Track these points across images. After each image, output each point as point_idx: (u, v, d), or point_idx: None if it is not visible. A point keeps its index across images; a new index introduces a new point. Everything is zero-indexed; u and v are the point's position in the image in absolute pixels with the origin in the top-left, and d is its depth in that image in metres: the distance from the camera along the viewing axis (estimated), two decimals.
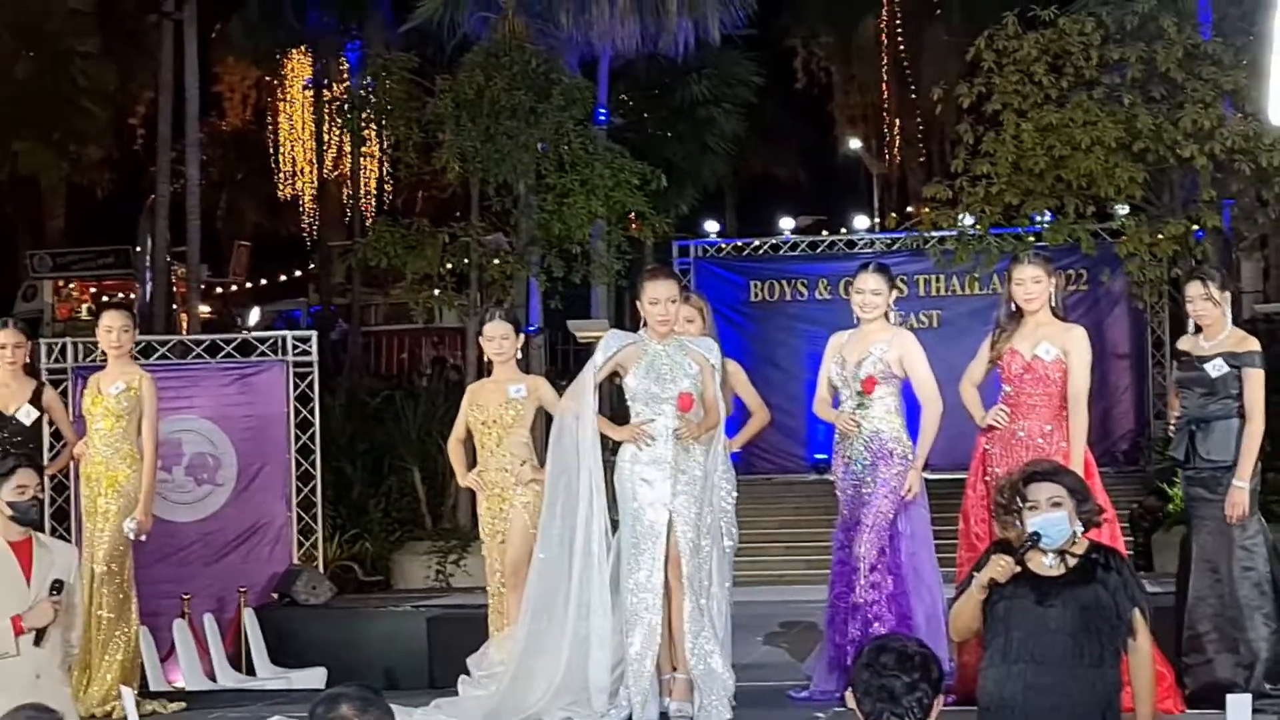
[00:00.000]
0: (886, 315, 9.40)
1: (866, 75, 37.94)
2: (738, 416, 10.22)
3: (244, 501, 15.53)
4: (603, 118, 22.18)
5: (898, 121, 37.90)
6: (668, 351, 8.81)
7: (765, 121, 33.00)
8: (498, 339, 9.97)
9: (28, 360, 10.35)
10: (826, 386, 9.61)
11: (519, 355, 10.12)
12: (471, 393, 10.18)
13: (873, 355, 9.29)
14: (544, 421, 9.97)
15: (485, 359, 10.33)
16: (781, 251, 22.62)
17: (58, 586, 7.43)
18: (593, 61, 23.88)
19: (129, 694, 6.16)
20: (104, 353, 10.47)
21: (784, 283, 22.40)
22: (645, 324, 8.84)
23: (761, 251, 22.67)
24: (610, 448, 8.95)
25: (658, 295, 8.75)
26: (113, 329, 10.16)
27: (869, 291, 9.37)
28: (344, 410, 20.42)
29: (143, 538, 10.02)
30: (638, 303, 8.86)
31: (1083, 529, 6.68)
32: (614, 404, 10.26)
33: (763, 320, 22.14)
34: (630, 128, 26.62)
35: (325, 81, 32.25)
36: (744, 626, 11.81)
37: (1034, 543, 6.52)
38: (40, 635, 7.39)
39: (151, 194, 26.25)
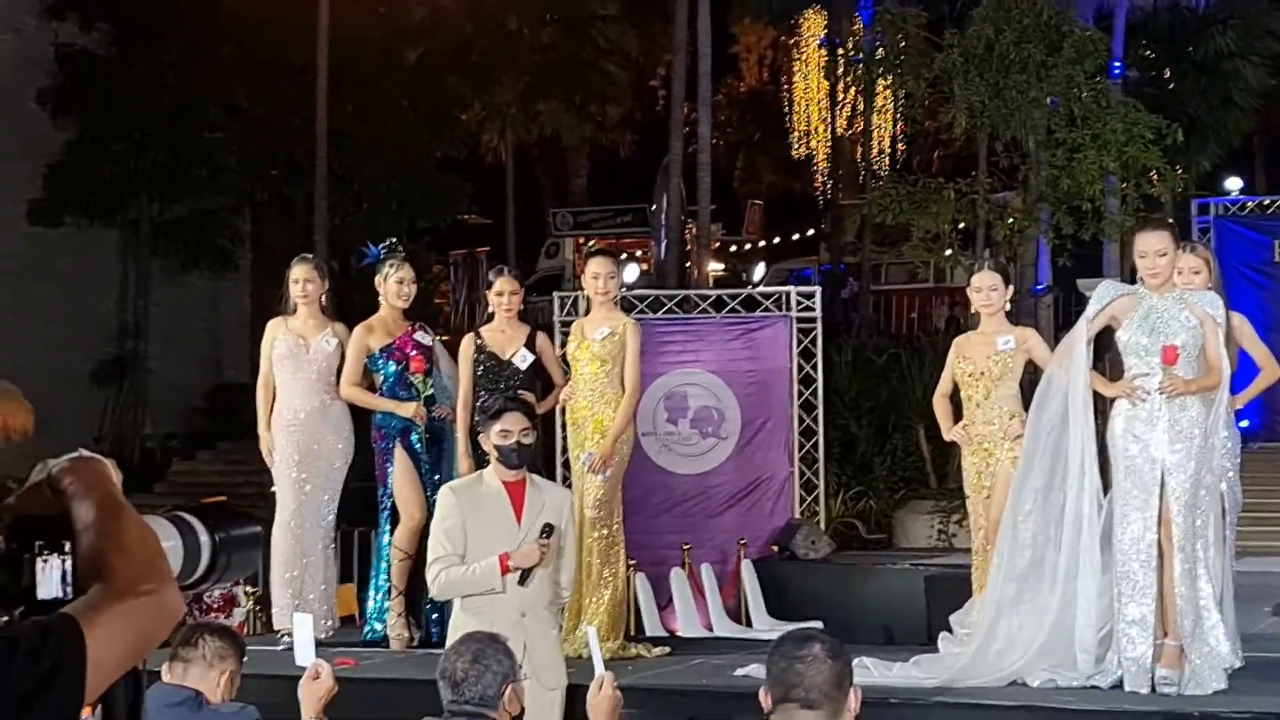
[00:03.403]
0: None
1: None
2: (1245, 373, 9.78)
3: (747, 455, 15.65)
4: (1117, 71, 21.54)
5: None
6: (1165, 304, 8.48)
7: None
8: (985, 289, 9.80)
9: (521, 307, 10.63)
10: None
11: (1008, 307, 9.92)
12: (958, 345, 10.03)
13: None
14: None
15: (972, 310, 10.15)
16: None
17: (548, 530, 7.59)
18: (1108, 14, 23.22)
19: (593, 632, 6.24)
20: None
21: None
22: (1142, 278, 8.55)
23: None
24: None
25: (1145, 248, 8.46)
26: (599, 275, 10.30)
27: None
28: (850, 368, 20.44)
29: (601, 475, 10.11)
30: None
31: None
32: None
33: None
34: (1148, 82, 25.79)
35: (838, 40, 32.29)
36: (1254, 596, 11.35)
37: None
38: (526, 575, 7.56)
39: (667, 154, 26.77)
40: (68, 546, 2.25)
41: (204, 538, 2.43)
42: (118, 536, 2.26)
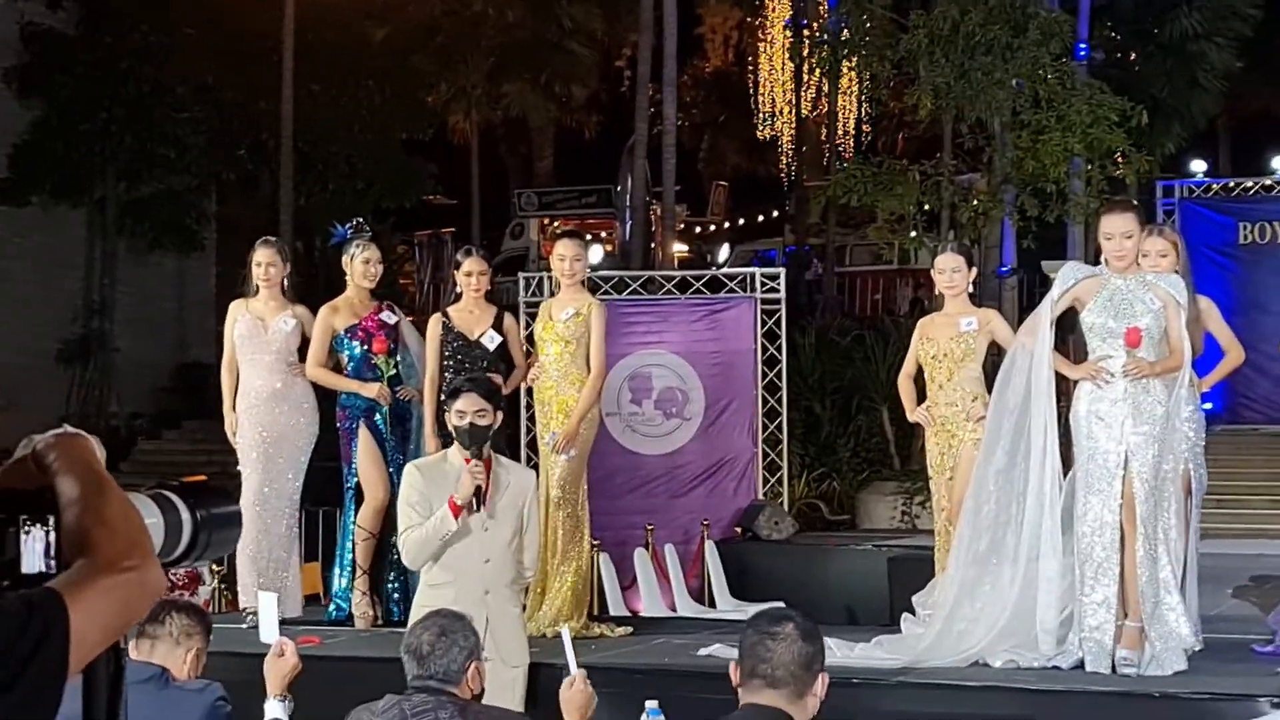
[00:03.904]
0: None
1: None
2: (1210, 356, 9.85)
3: (711, 436, 15.71)
4: (1083, 53, 21.59)
5: None
6: (1129, 286, 8.52)
7: (1263, 57, 31.58)
8: (949, 271, 9.85)
9: (489, 288, 10.65)
10: None
11: (971, 289, 9.97)
12: (922, 326, 10.09)
13: None
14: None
15: (936, 292, 10.20)
16: (1275, 192, 21.62)
17: (475, 454, 7.68)
18: None
19: (566, 632, 6.27)
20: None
21: (1277, 225, 21.40)
22: (1107, 260, 8.59)
23: (1253, 192, 21.72)
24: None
25: (1112, 230, 8.49)
26: (565, 257, 10.35)
27: None
28: (814, 349, 20.50)
29: (566, 455, 10.14)
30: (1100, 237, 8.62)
31: None
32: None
33: (1252, 263, 21.20)
34: (1114, 64, 25.86)
35: (804, 21, 32.33)
36: (1215, 578, 11.43)
37: None
38: (479, 502, 7.65)
39: (632, 135, 26.76)
40: (51, 521, 2.27)
41: (185, 515, 2.45)
42: (101, 512, 2.27)
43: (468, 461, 7.66)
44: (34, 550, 2.26)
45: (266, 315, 10.79)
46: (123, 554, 2.25)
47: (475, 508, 7.65)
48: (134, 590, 2.26)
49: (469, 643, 5.51)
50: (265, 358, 10.73)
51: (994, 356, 10.00)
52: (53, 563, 2.26)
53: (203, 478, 2.57)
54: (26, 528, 2.26)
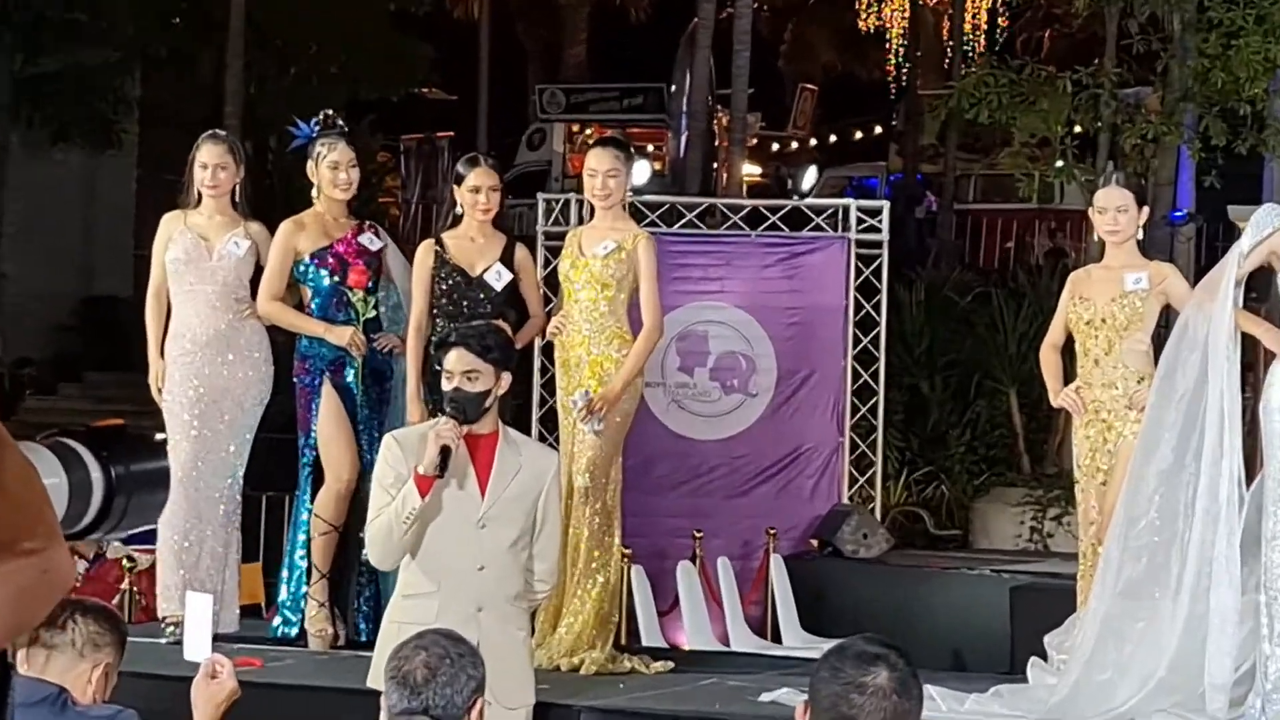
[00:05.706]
0: None
1: None
2: None
3: (782, 419, 15.72)
4: None
5: None
6: None
7: None
8: (1112, 211, 9.87)
9: (499, 210, 10.63)
10: None
11: (1139, 235, 9.98)
12: (1074, 283, 10.10)
13: None
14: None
15: (1094, 238, 10.23)
16: None
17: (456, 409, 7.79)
18: None
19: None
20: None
21: None
22: None
23: None
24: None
25: None
26: (597, 172, 10.30)
27: None
28: (924, 310, 20.50)
29: (594, 426, 10.15)
30: None
31: None
32: None
33: None
34: None
35: None
36: None
37: None
38: (444, 466, 7.69)
39: (694, 18, 26.73)
40: None
41: (95, 473, 2.43)
42: None
43: (441, 428, 7.72)
44: None
45: (212, 234, 10.81)
46: (22, 533, 2.23)
47: (441, 473, 7.69)
48: (33, 578, 2.24)
49: (477, 673, 5.54)
50: (208, 289, 10.76)
51: (1163, 328, 10.04)
52: None
53: (119, 422, 2.54)
54: None
